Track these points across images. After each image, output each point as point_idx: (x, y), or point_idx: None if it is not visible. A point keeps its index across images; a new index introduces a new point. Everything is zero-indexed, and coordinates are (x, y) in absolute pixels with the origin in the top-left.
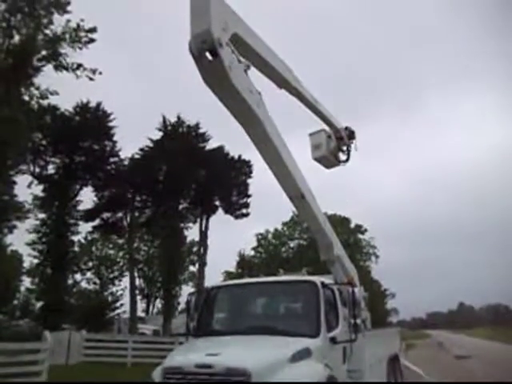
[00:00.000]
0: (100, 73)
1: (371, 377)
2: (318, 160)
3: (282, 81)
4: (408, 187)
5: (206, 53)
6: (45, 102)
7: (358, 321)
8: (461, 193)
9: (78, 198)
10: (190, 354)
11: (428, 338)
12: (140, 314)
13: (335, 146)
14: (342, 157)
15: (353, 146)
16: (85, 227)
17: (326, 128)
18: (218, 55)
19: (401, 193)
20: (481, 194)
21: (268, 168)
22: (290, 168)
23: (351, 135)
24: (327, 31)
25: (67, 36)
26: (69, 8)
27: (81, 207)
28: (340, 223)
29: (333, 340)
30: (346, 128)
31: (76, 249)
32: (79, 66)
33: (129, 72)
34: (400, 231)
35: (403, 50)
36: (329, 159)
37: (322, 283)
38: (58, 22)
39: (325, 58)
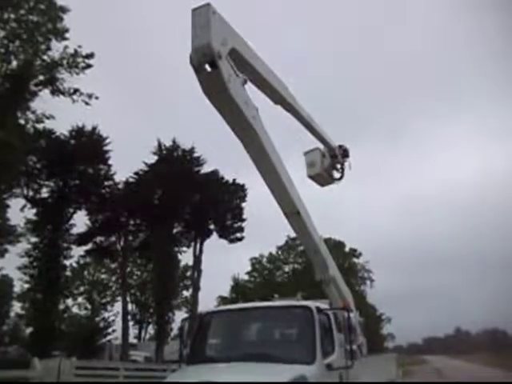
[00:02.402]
0: (96, 97)
1: None
2: (313, 178)
3: (277, 97)
4: (402, 212)
5: (206, 65)
6: (40, 126)
7: (354, 346)
8: (456, 218)
9: (71, 222)
10: (183, 383)
11: (426, 364)
12: (132, 339)
13: (329, 164)
14: (336, 175)
15: (347, 164)
16: (77, 251)
17: (321, 146)
18: (218, 67)
19: (395, 218)
20: (476, 220)
21: (264, 183)
22: (285, 183)
23: (345, 153)
24: (313, 54)
25: (65, 62)
26: (67, 35)
27: (74, 231)
28: (335, 247)
29: (329, 367)
30: (340, 146)
31: (68, 273)
32: (76, 90)
33: (125, 96)
34: (395, 256)
35: (385, 73)
36: (323, 177)
37: (318, 308)
38: (56, 48)
39: (307, 83)
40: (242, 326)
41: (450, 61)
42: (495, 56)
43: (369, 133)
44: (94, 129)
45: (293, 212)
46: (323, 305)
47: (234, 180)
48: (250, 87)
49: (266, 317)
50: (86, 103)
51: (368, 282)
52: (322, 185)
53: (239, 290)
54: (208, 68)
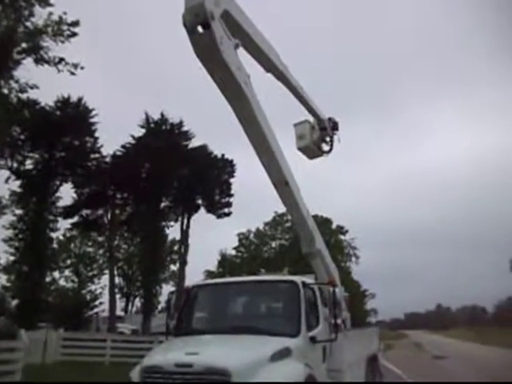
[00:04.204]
0: (82, 67)
1: (350, 376)
2: (302, 150)
3: (269, 64)
4: (388, 192)
5: (199, 26)
6: (24, 96)
7: (339, 321)
8: (439, 198)
9: (57, 195)
10: (170, 353)
11: (406, 339)
12: (119, 312)
13: (319, 136)
14: (325, 147)
15: (336, 137)
16: (64, 224)
17: (311, 119)
18: (210, 28)
19: (381, 197)
20: (458, 200)
21: (254, 151)
22: (275, 151)
23: (335, 126)
24: (312, 31)
25: (49, 29)
26: (51, 1)
27: (60, 204)
28: (322, 224)
29: (313, 339)
30: (330, 119)
31: (55, 246)
32: (61, 60)
33: (111, 67)
34: (380, 234)
35: (382, 52)
36: (312, 149)
37: (303, 283)
38: (40, 15)
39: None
40: (228, 299)
41: (443, 41)
42: (486, 35)
43: (359, 112)
44: (80, 100)
45: (281, 182)
46: (309, 280)
47: (223, 155)
48: (242, 55)
49: (253, 291)
50: (72, 73)
51: (353, 259)
52: (311, 157)
53: (226, 265)
54: (200, 29)
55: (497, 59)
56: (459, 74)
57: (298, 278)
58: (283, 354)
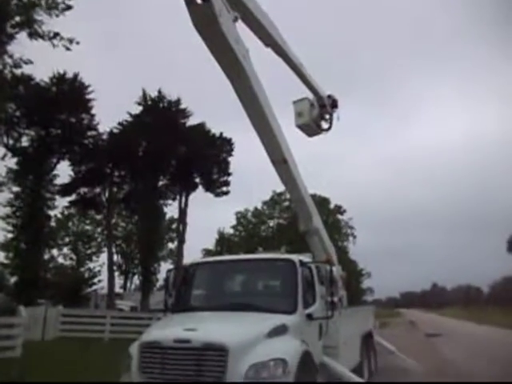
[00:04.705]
0: (77, 42)
1: (345, 353)
2: (301, 127)
3: (268, 38)
4: (386, 172)
5: None
6: (18, 71)
7: (335, 298)
8: (436, 179)
9: (54, 172)
10: (168, 329)
11: (401, 317)
12: (118, 290)
13: (318, 114)
14: (325, 125)
15: (335, 115)
16: (61, 202)
17: (310, 96)
18: (209, 0)
19: (378, 177)
20: (455, 183)
21: (253, 129)
22: (273, 128)
23: (334, 104)
24: (311, 11)
25: (43, 2)
26: None
27: (57, 181)
28: (320, 203)
29: (309, 317)
30: (329, 96)
31: (52, 224)
32: (56, 34)
33: (108, 43)
34: (377, 214)
35: (380, 32)
36: (311, 127)
37: (300, 261)
38: None
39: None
40: (226, 277)
41: (442, 23)
42: (482, 19)
43: (359, 91)
44: (76, 76)
45: (280, 159)
46: (306, 258)
47: (221, 133)
48: (241, 29)
49: (251, 268)
50: (67, 48)
51: (351, 239)
52: (310, 135)
53: (224, 243)
54: (199, 0)
55: (495, 41)
56: (458, 54)
57: (295, 257)
58: (280, 330)
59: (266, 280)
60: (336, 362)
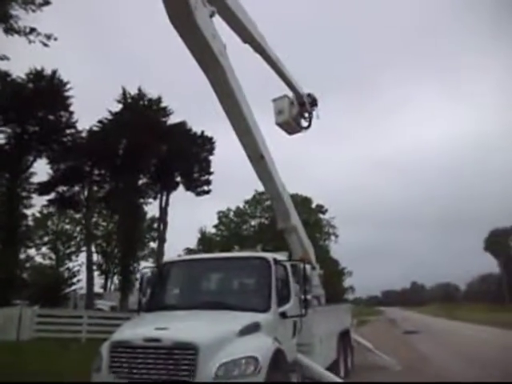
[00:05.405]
0: (55, 38)
1: (321, 350)
2: (281, 125)
3: (245, 34)
4: (367, 174)
5: None
6: None
7: (309, 296)
8: (414, 180)
9: (31, 170)
10: (139, 328)
11: (381, 315)
12: (98, 290)
13: (298, 112)
14: (304, 123)
15: (314, 113)
16: (40, 201)
17: (290, 94)
18: None
19: (360, 178)
20: (434, 182)
21: (230, 124)
22: (250, 124)
23: (313, 102)
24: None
25: None
26: None
27: (35, 180)
28: (302, 203)
29: (283, 315)
30: (309, 94)
31: (30, 223)
32: (32, 29)
33: (88, 41)
34: (358, 213)
35: (361, 30)
36: (291, 125)
37: (275, 259)
38: None
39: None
40: (200, 275)
41: (423, 22)
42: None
43: (338, 91)
44: (54, 73)
45: (257, 156)
46: (281, 256)
47: (203, 132)
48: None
49: (225, 267)
50: (45, 44)
51: (333, 238)
52: (290, 133)
53: (206, 243)
54: None
55: (474, 40)
56: (437, 57)
57: (269, 255)
58: (252, 328)
59: (240, 278)
60: (311, 359)
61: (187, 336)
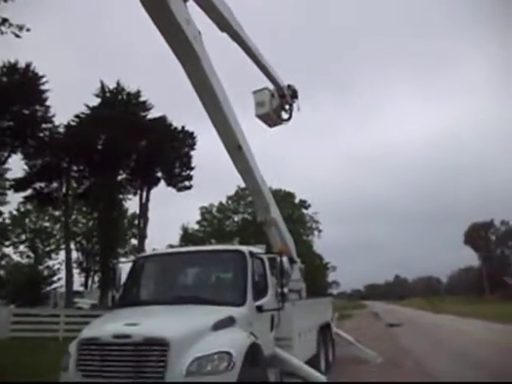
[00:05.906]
0: (28, 29)
1: (300, 344)
2: (261, 117)
3: (222, 22)
4: (349, 166)
5: None
6: None
7: (286, 290)
8: (396, 175)
9: (5, 166)
10: (108, 325)
11: (365, 309)
12: (79, 287)
13: (278, 104)
14: (285, 116)
15: (295, 105)
16: (16, 198)
17: (270, 86)
18: None
19: (341, 171)
20: (416, 176)
21: (207, 115)
22: (227, 114)
23: (294, 94)
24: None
25: None
26: None
27: (10, 176)
28: (285, 198)
29: (259, 309)
30: (289, 86)
31: (7, 220)
32: (4, 20)
33: (65, 34)
34: (341, 208)
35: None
36: (272, 117)
37: (251, 252)
38: None
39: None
40: (175, 269)
41: (407, 19)
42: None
43: (321, 85)
44: (29, 66)
45: (234, 146)
46: (257, 249)
47: (183, 127)
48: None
49: (200, 261)
50: (17, 35)
51: (316, 233)
52: (270, 125)
53: (188, 239)
54: None
55: (456, 37)
56: (420, 53)
57: (245, 248)
58: (226, 323)
59: (215, 272)
60: (290, 353)
61: (158, 331)
